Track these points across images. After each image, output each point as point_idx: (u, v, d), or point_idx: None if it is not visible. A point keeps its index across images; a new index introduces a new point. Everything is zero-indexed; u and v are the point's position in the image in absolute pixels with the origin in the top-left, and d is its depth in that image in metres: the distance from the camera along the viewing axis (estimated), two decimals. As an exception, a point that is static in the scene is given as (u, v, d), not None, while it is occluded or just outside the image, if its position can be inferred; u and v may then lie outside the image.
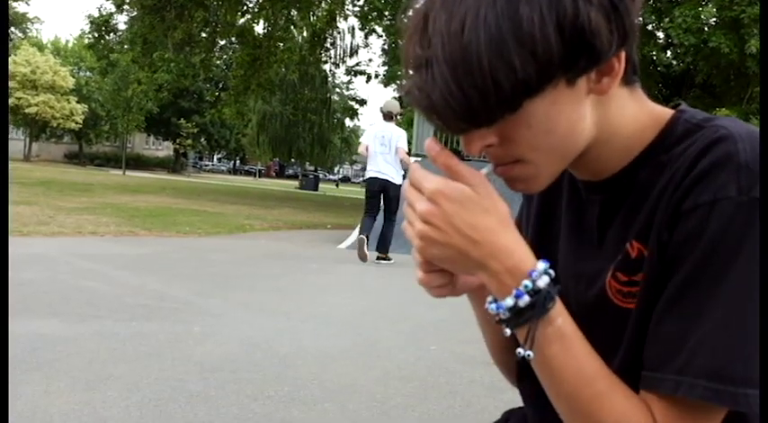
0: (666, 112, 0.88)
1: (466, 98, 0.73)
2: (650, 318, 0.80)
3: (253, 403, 3.22)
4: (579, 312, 0.83)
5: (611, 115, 0.83)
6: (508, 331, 0.80)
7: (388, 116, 8.51)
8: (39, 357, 3.68)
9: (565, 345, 0.79)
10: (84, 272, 6.49)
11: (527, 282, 0.77)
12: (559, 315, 0.79)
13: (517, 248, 0.78)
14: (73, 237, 8.97)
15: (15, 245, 7.72)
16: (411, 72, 0.78)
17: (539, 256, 0.79)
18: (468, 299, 0.97)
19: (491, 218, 0.78)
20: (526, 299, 0.77)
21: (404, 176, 8.46)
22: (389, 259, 8.56)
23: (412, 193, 0.81)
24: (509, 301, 0.77)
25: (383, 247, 8.59)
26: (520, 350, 0.79)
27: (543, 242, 0.98)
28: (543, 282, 0.77)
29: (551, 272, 0.78)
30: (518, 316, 0.78)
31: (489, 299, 0.81)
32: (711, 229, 0.75)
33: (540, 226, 1.01)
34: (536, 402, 0.95)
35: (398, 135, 8.44)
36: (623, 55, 0.78)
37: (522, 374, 1.00)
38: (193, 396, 3.25)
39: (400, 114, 8.89)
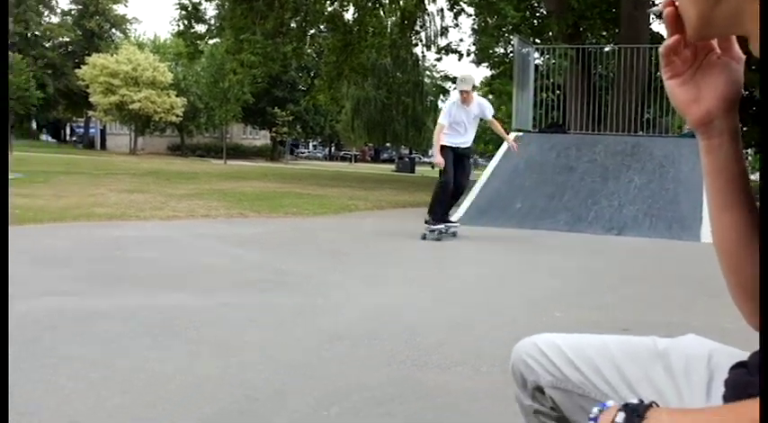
0: None
1: None
2: None
3: (386, 368, 3.23)
4: None
5: None
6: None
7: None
8: (176, 326, 3.80)
9: None
10: (205, 250, 6.69)
11: None
12: None
13: None
14: (187, 219, 9.25)
15: (136, 228, 8.04)
16: None
17: None
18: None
19: None
20: None
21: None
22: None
23: None
24: None
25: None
26: None
27: None
28: None
29: None
30: None
31: None
32: None
33: None
34: None
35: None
36: None
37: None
38: (327, 361, 3.28)
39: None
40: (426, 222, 8.21)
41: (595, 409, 0.86)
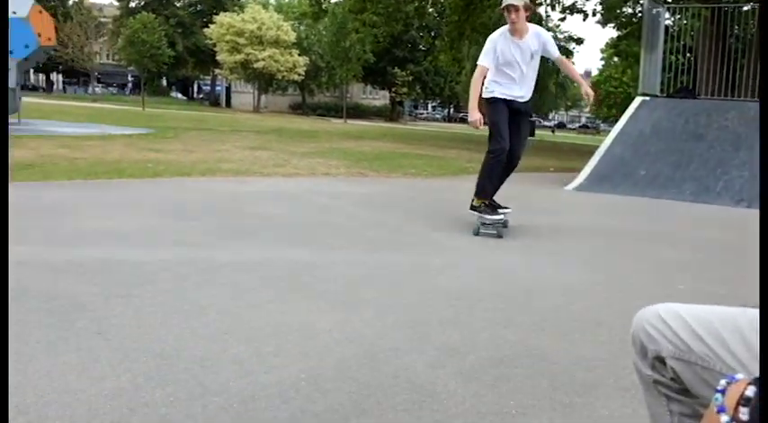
0: None
1: None
2: None
3: (503, 330, 3.24)
4: None
5: None
6: None
7: None
8: (297, 280, 3.94)
9: None
10: (325, 207, 6.85)
11: None
12: None
13: None
14: (308, 177, 9.47)
15: (260, 184, 8.32)
16: None
17: None
18: None
19: None
20: None
21: None
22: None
23: None
24: None
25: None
26: None
27: None
28: None
29: None
30: None
31: None
32: None
33: None
34: None
35: None
36: None
37: None
38: (444, 321, 3.32)
39: None
40: (474, 209, 5.90)
41: (723, 382, 0.85)
